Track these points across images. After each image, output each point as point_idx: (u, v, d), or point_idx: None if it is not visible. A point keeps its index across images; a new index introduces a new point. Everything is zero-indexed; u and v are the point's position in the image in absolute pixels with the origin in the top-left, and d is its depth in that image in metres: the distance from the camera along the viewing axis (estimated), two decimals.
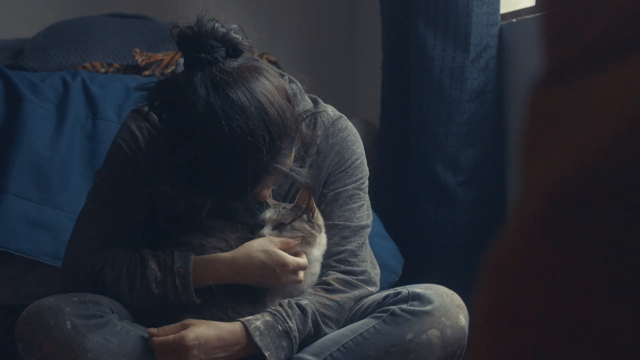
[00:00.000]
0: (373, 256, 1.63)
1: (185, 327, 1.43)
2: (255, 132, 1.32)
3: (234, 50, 1.38)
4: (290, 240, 1.51)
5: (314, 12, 3.51)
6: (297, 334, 1.45)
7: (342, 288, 1.53)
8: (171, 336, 1.42)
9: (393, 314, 1.45)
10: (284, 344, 1.44)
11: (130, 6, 3.07)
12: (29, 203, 2.04)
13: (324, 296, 1.52)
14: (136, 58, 2.55)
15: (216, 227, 1.54)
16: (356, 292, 1.54)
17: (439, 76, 2.30)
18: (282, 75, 1.52)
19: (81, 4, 3.25)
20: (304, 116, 1.49)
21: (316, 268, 1.56)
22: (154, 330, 1.43)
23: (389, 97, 2.58)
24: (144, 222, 1.55)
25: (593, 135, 0.41)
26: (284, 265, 1.49)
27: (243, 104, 1.32)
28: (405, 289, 1.50)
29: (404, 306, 1.46)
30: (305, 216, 1.52)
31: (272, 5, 3.44)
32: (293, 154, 1.44)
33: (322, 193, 1.58)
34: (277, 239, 1.51)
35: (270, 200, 1.54)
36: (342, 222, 1.58)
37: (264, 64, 1.45)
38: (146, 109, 1.47)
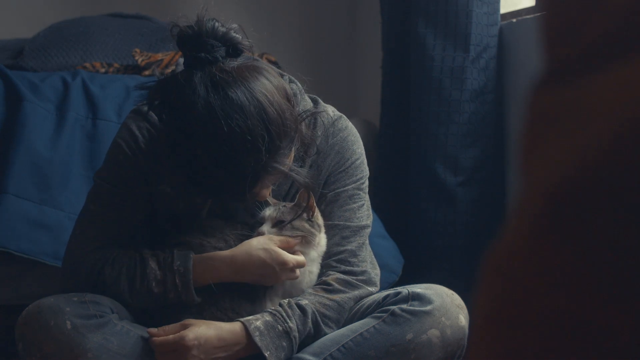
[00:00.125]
0: (373, 256, 1.63)
1: (185, 327, 1.43)
2: (254, 132, 1.32)
3: (233, 49, 1.38)
4: (290, 240, 1.51)
5: (314, 12, 3.51)
6: (297, 334, 1.45)
7: (342, 288, 1.53)
8: (171, 336, 1.42)
9: (393, 314, 1.45)
10: (284, 344, 1.44)
11: (130, 6, 3.07)
12: (29, 203, 2.04)
13: (324, 296, 1.52)
14: (136, 58, 2.55)
15: (216, 227, 1.54)
16: (356, 292, 1.54)
17: (439, 76, 2.30)
18: (282, 75, 1.52)
19: (81, 4, 3.25)
20: (304, 116, 1.49)
21: (314, 268, 1.56)
22: (154, 330, 1.43)
23: (389, 97, 2.58)
24: (144, 222, 1.55)
25: (593, 135, 0.41)
26: (283, 263, 1.49)
27: (242, 104, 1.32)
28: (405, 289, 1.50)
29: (404, 306, 1.46)
30: (305, 215, 1.52)
31: (272, 5, 3.44)
32: (292, 154, 1.44)
33: (322, 193, 1.58)
34: (276, 238, 1.51)
35: (270, 199, 1.54)
36: (342, 222, 1.58)
37: (263, 63, 1.45)
38: (146, 108, 1.47)
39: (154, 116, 1.48)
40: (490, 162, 2.34)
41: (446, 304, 1.46)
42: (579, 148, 0.41)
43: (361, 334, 1.46)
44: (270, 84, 1.38)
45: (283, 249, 1.50)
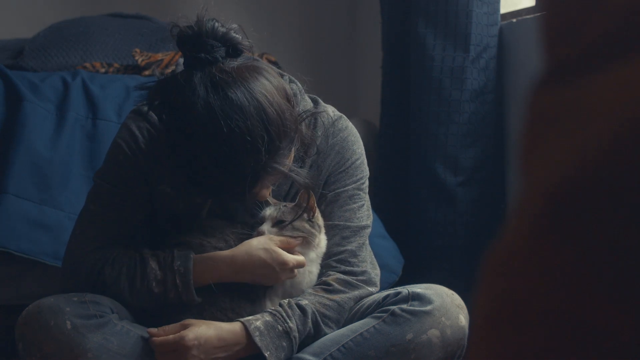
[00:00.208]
0: (373, 256, 1.63)
1: (185, 327, 1.43)
2: (254, 132, 1.32)
3: (233, 50, 1.38)
4: (291, 240, 1.51)
5: (314, 12, 3.51)
6: (297, 334, 1.45)
7: (342, 288, 1.53)
8: (171, 336, 1.42)
9: (393, 314, 1.45)
10: (284, 344, 1.44)
11: (130, 6, 3.07)
12: (29, 203, 2.04)
13: (324, 296, 1.52)
14: (136, 58, 2.55)
15: (216, 227, 1.54)
16: (356, 293, 1.54)
17: (439, 76, 2.30)
18: (282, 75, 1.52)
19: (81, 4, 3.25)
20: (304, 116, 1.49)
21: (314, 268, 1.56)
22: (154, 330, 1.43)
23: (389, 97, 2.58)
24: (144, 222, 1.55)
25: (593, 135, 0.41)
26: (283, 263, 1.49)
27: (242, 104, 1.32)
28: (405, 289, 1.50)
29: (404, 306, 1.46)
30: (305, 215, 1.52)
31: (272, 5, 3.44)
32: (292, 154, 1.44)
33: (322, 193, 1.58)
34: (277, 238, 1.51)
35: (270, 199, 1.54)
36: (342, 223, 1.58)
37: (263, 63, 1.45)
38: (146, 108, 1.47)
39: (154, 116, 1.48)
40: (490, 162, 2.34)
41: (446, 304, 1.46)
42: (579, 148, 0.41)
43: (361, 334, 1.46)
44: (270, 84, 1.37)
45: (283, 249, 1.50)
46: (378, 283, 1.60)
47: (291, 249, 1.51)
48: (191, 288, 1.46)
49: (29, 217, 2.02)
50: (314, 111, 1.57)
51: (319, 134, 1.58)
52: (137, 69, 2.52)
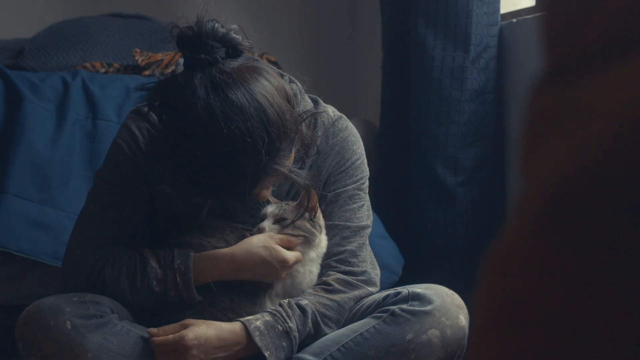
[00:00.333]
0: (373, 256, 1.63)
1: (185, 327, 1.43)
2: (254, 133, 1.32)
3: (233, 50, 1.38)
4: (292, 239, 1.51)
5: (314, 12, 3.51)
6: (297, 334, 1.45)
7: (342, 288, 1.53)
8: (171, 336, 1.42)
9: (393, 314, 1.45)
10: (284, 344, 1.44)
11: (130, 6, 3.07)
12: (29, 203, 2.04)
13: (324, 296, 1.52)
14: (136, 58, 2.55)
15: (216, 227, 1.54)
16: (356, 293, 1.54)
17: (439, 76, 2.30)
18: (282, 76, 1.52)
19: (81, 4, 3.25)
20: (304, 117, 1.49)
21: (314, 268, 1.56)
22: (153, 330, 1.43)
23: (389, 97, 2.58)
24: (144, 222, 1.55)
25: (593, 135, 0.41)
26: (283, 261, 1.49)
27: (242, 105, 1.32)
28: (405, 289, 1.50)
29: (404, 306, 1.46)
30: (307, 215, 1.53)
31: (272, 5, 3.44)
32: (293, 155, 1.44)
33: (322, 194, 1.58)
34: (277, 235, 1.51)
35: (272, 199, 1.54)
36: (342, 223, 1.58)
37: (263, 64, 1.45)
38: (146, 109, 1.47)
39: (154, 116, 1.48)
40: (490, 162, 2.34)
41: (446, 304, 1.46)
42: (579, 148, 0.41)
43: (361, 334, 1.46)
44: (270, 85, 1.37)
45: (283, 247, 1.50)
46: (378, 283, 1.60)
47: (291, 247, 1.51)
48: (192, 286, 1.46)
49: (29, 217, 2.02)
50: (314, 111, 1.57)
51: (319, 134, 1.58)
52: (137, 69, 2.52)
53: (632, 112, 0.39)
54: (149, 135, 1.51)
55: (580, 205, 0.41)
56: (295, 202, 1.54)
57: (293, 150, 1.43)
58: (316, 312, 1.49)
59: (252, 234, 1.53)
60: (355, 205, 1.59)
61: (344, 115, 1.65)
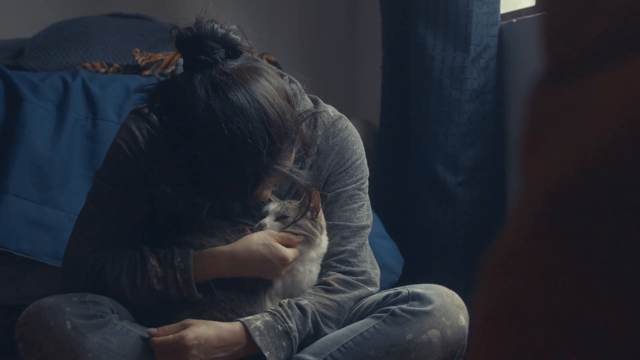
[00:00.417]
0: (373, 256, 1.63)
1: (185, 327, 1.43)
2: (255, 134, 1.32)
3: (233, 51, 1.38)
4: (293, 237, 1.51)
5: (314, 12, 3.51)
6: (297, 334, 1.45)
7: (342, 288, 1.53)
8: (171, 336, 1.42)
9: (393, 314, 1.45)
10: (284, 344, 1.44)
11: (130, 6, 3.06)
12: (29, 203, 2.03)
13: (324, 296, 1.52)
14: (136, 58, 2.55)
15: (216, 227, 1.54)
16: (356, 293, 1.54)
17: (439, 76, 2.30)
18: (282, 76, 1.52)
19: (81, 4, 3.25)
20: (304, 116, 1.49)
21: (315, 268, 1.56)
22: (153, 330, 1.43)
23: (389, 97, 2.58)
24: (144, 222, 1.55)
25: (593, 135, 0.41)
26: (283, 259, 1.49)
27: (243, 106, 1.32)
28: (405, 289, 1.50)
29: (404, 306, 1.46)
30: (309, 214, 1.53)
31: (272, 5, 3.44)
32: (293, 155, 1.44)
33: (322, 194, 1.58)
34: (277, 233, 1.51)
35: (273, 197, 1.54)
36: (342, 223, 1.58)
37: (263, 64, 1.45)
38: (146, 109, 1.47)
39: (154, 116, 1.48)
40: (490, 162, 2.34)
41: (446, 304, 1.46)
42: (579, 148, 0.41)
43: (361, 334, 1.46)
44: (271, 86, 1.37)
45: (283, 245, 1.50)
46: (378, 283, 1.60)
47: (291, 245, 1.51)
48: (192, 284, 1.46)
49: (29, 217, 2.02)
50: (315, 111, 1.57)
51: (319, 133, 1.58)
52: (137, 69, 2.52)
53: (632, 112, 0.39)
54: (149, 136, 1.51)
55: (580, 205, 0.41)
56: (298, 201, 1.54)
57: (294, 150, 1.43)
58: (316, 312, 1.49)
59: (253, 231, 1.53)
60: (355, 205, 1.59)
61: (344, 115, 1.65)
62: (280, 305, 1.48)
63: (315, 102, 1.62)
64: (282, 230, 1.52)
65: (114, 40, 2.66)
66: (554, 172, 0.42)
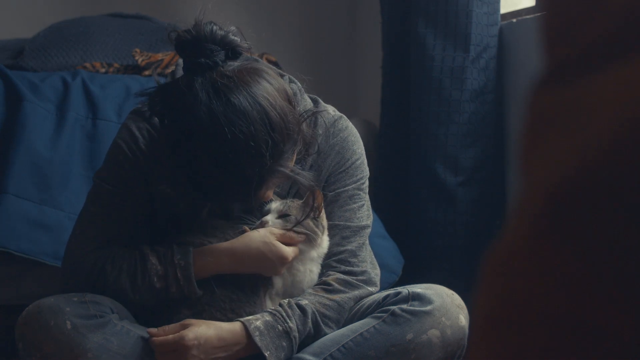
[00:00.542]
0: (373, 256, 1.63)
1: (185, 327, 1.43)
2: (257, 137, 1.32)
3: (233, 52, 1.38)
4: (294, 236, 1.51)
5: (314, 12, 3.51)
6: (297, 334, 1.45)
7: (342, 288, 1.53)
8: (171, 336, 1.42)
9: (393, 314, 1.46)
10: (284, 344, 1.44)
11: (130, 6, 3.06)
12: (29, 203, 2.04)
13: (324, 296, 1.52)
14: (136, 58, 2.54)
15: (217, 227, 1.54)
16: (356, 292, 1.54)
17: (439, 76, 2.30)
18: (282, 76, 1.52)
19: (81, 4, 3.25)
20: (305, 116, 1.49)
21: (315, 267, 1.56)
22: (153, 330, 1.43)
23: (389, 97, 2.58)
24: (144, 222, 1.55)
25: (593, 135, 0.41)
26: (283, 258, 1.49)
27: (245, 109, 1.32)
28: (405, 289, 1.50)
29: (404, 306, 1.46)
30: (311, 213, 1.53)
31: (272, 5, 3.44)
32: (295, 155, 1.45)
33: (323, 193, 1.58)
34: (277, 231, 1.51)
35: (274, 197, 1.54)
36: (342, 223, 1.58)
37: (263, 64, 1.45)
38: (146, 109, 1.47)
39: (154, 117, 1.48)
40: (490, 162, 2.34)
41: (446, 304, 1.46)
42: (579, 148, 0.41)
43: (361, 334, 1.46)
44: (272, 87, 1.37)
45: (283, 243, 1.50)
46: (378, 283, 1.60)
47: (291, 244, 1.51)
48: (192, 281, 1.46)
49: (29, 217, 2.02)
50: (315, 110, 1.57)
51: (320, 132, 1.58)
52: (137, 69, 2.52)
53: (632, 112, 0.39)
54: (149, 136, 1.52)
55: (580, 205, 0.41)
56: (300, 200, 1.54)
57: (296, 151, 1.43)
58: (316, 312, 1.49)
59: (254, 228, 1.53)
60: (355, 205, 1.59)
61: (344, 115, 1.65)
62: (280, 305, 1.48)
63: (315, 102, 1.62)
64: (285, 230, 1.52)
65: (114, 40, 2.66)
66: (554, 172, 0.42)
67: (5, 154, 2.07)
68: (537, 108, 0.46)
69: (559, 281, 0.41)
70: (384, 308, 1.48)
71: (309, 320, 1.47)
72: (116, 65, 2.55)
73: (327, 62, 3.46)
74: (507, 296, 0.43)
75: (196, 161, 1.35)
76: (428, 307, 1.45)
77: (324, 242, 1.56)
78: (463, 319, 1.47)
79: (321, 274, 1.56)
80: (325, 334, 1.50)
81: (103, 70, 2.51)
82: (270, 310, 1.47)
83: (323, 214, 1.55)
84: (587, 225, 0.40)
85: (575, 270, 0.40)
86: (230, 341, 1.43)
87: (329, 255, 1.57)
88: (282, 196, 1.59)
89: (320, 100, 1.63)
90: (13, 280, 2.07)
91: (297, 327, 1.46)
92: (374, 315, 1.48)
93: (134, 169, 1.51)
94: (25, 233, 2.00)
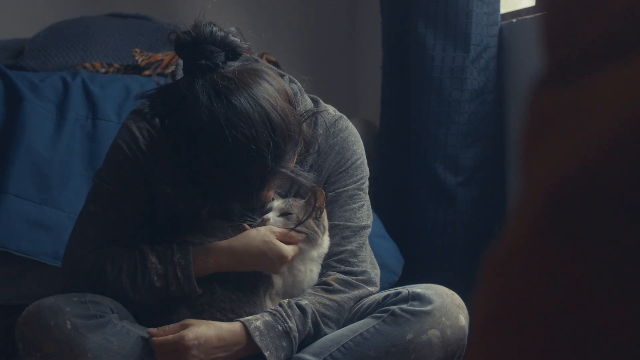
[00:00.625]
0: (373, 256, 1.63)
1: (185, 327, 1.43)
2: (259, 139, 1.32)
3: (233, 53, 1.38)
4: (293, 234, 1.51)
5: (314, 12, 3.51)
6: (297, 334, 1.45)
7: (342, 288, 1.53)
8: (171, 336, 1.42)
9: (393, 314, 1.46)
10: (284, 344, 1.44)
11: (130, 6, 3.06)
12: (29, 203, 2.04)
13: (323, 296, 1.52)
14: (136, 58, 2.54)
15: (217, 227, 1.54)
16: (356, 292, 1.54)
17: (439, 76, 2.30)
18: (282, 76, 1.52)
19: (81, 4, 3.25)
20: (305, 116, 1.49)
21: (315, 267, 1.56)
22: (153, 330, 1.43)
23: (389, 97, 2.58)
24: (144, 222, 1.55)
25: (593, 135, 0.41)
26: (282, 256, 1.49)
27: (247, 111, 1.32)
28: (405, 289, 1.50)
29: (404, 306, 1.46)
30: (313, 213, 1.53)
31: (272, 6, 3.44)
32: (296, 155, 1.45)
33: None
34: (277, 230, 1.51)
35: (276, 196, 1.54)
36: (342, 223, 1.58)
37: (263, 64, 1.45)
38: (146, 109, 1.47)
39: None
40: (490, 162, 2.34)
41: (446, 304, 1.46)
42: (579, 148, 0.41)
43: (361, 334, 1.46)
44: (272, 88, 1.37)
45: (282, 241, 1.50)
46: (378, 283, 1.60)
47: (291, 242, 1.51)
48: (192, 280, 1.46)
49: (29, 217, 2.02)
50: (316, 110, 1.57)
51: (320, 132, 1.58)
52: (137, 69, 2.52)
53: (632, 112, 0.39)
54: (149, 136, 1.51)
55: (580, 205, 0.41)
56: (302, 199, 1.54)
57: (297, 151, 1.43)
58: (316, 312, 1.49)
59: (255, 225, 1.52)
60: (355, 205, 1.59)
61: (344, 116, 1.65)
62: (280, 305, 1.48)
63: (315, 102, 1.62)
64: (287, 229, 1.51)
65: (114, 40, 2.66)
66: (554, 172, 0.42)
67: (5, 154, 2.07)
68: (537, 108, 0.46)
69: (559, 281, 0.41)
70: (384, 308, 1.48)
71: (309, 320, 1.47)
72: (116, 65, 2.55)
73: (327, 62, 3.46)
74: (507, 296, 0.43)
75: (197, 162, 1.35)
76: (428, 307, 1.45)
77: (325, 242, 1.56)
78: (463, 319, 1.47)
79: (321, 274, 1.57)
80: (325, 334, 1.50)
81: (103, 70, 2.51)
82: (270, 310, 1.47)
83: (325, 214, 1.55)
84: (587, 225, 0.40)
85: (575, 270, 0.40)
86: (230, 341, 1.43)
87: (329, 255, 1.57)
88: (282, 197, 1.59)
89: (321, 101, 1.63)
90: (13, 280, 2.07)
91: (297, 327, 1.46)
92: (374, 315, 1.48)
93: (134, 169, 1.51)
94: (25, 233, 2.00)
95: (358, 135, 1.65)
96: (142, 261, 1.47)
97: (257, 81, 1.36)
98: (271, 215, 1.52)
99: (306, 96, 1.60)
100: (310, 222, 1.52)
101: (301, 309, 1.47)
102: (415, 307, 1.45)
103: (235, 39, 1.38)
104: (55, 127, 2.15)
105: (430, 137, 2.33)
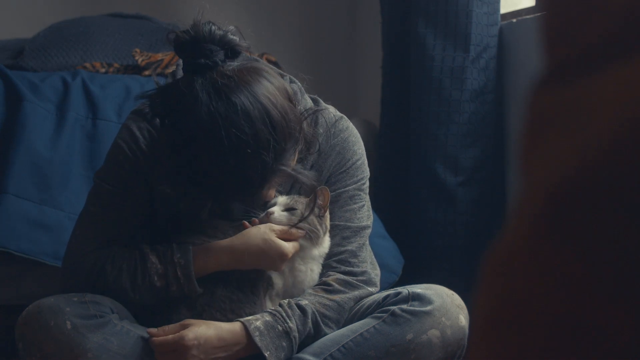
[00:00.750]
0: (373, 256, 1.63)
1: (185, 327, 1.43)
2: (260, 137, 1.32)
3: (232, 52, 1.38)
4: (293, 231, 1.51)
5: (314, 12, 3.51)
6: (297, 334, 1.45)
7: (342, 288, 1.53)
8: (171, 336, 1.42)
9: (393, 314, 1.46)
10: (284, 344, 1.44)
11: (130, 6, 3.06)
12: (29, 203, 2.04)
13: (324, 296, 1.52)
14: (136, 58, 2.54)
15: (217, 227, 1.54)
16: (356, 293, 1.54)
17: (439, 76, 2.30)
18: (282, 75, 1.52)
19: (81, 4, 3.25)
20: (306, 115, 1.49)
21: (316, 267, 1.56)
22: (153, 330, 1.43)
23: (389, 97, 2.58)
24: (145, 222, 1.55)
25: (593, 135, 0.41)
26: (282, 254, 1.49)
27: (247, 109, 1.32)
28: (405, 289, 1.50)
29: (404, 306, 1.46)
30: (317, 210, 1.53)
31: (272, 5, 3.44)
32: (297, 154, 1.45)
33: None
34: (277, 227, 1.51)
35: (277, 195, 1.54)
36: (342, 223, 1.58)
37: (263, 64, 1.45)
38: (146, 109, 1.47)
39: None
40: (490, 162, 2.34)
41: (446, 304, 1.46)
42: (579, 148, 0.41)
43: (361, 334, 1.46)
44: (272, 86, 1.37)
45: (282, 239, 1.50)
46: (378, 283, 1.60)
47: (292, 239, 1.51)
48: (193, 280, 1.46)
49: (29, 217, 2.02)
50: (316, 109, 1.57)
51: (321, 131, 1.58)
52: (137, 69, 2.52)
53: (632, 112, 0.39)
54: (150, 136, 1.51)
55: (580, 205, 0.41)
56: (307, 198, 1.54)
57: (297, 150, 1.43)
58: (316, 312, 1.49)
59: (259, 219, 1.52)
60: (355, 206, 1.59)
61: (344, 116, 1.65)
62: (280, 305, 1.48)
63: (315, 102, 1.62)
64: (288, 225, 1.51)
65: (114, 40, 2.66)
66: (554, 172, 0.42)
67: (5, 154, 2.07)
68: (537, 108, 0.46)
69: (559, 281, 0.41)
70: (384, 308, 1.48)
71: (309, 321, 1.47)
72: (116, 65, 2.55)
73: (327, 62, 3.46)
74: (507, 296, 0.43)
75: (197, 161, 1.35)
76: (428, 307, 1.45)
77: (325, 242, 1.56)
78: (463, 319, 1.47)
79: (321, 274, 1.57)
80: (325, 334, 1.50)
81: (103, 70, 2.51)
82: (270, 310, 1.47)
83: (327, 214, 1.55)
84: (587, 225, 0.40)
85: (575, 270, 0.40)
86: (230, 341, 1.43)
87: (329, 256, 1.57)
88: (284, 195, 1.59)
89: (321, 100, 1.63)
90: (13, 280, 2.07)
91: (297, 327, 1.46)
92: (374, 315, 1.48)
93: (134, 169, 1.51)
94: (25, 233, 2.00)
95: (358, 135, 1.65)
96: (142, 261, 1.47)
97: (256, 79, 1.36)
98: (276, 209, 1.52)
99: (306, 96, 1.60)
100: (313, 219, 1.52)
101: (301, 309, 1.47)
102: (415, 307, 1.45)
103: (234, 37, 1.38)
104: (55, 127, 2.15)
105: (430, 137, 2.33)
